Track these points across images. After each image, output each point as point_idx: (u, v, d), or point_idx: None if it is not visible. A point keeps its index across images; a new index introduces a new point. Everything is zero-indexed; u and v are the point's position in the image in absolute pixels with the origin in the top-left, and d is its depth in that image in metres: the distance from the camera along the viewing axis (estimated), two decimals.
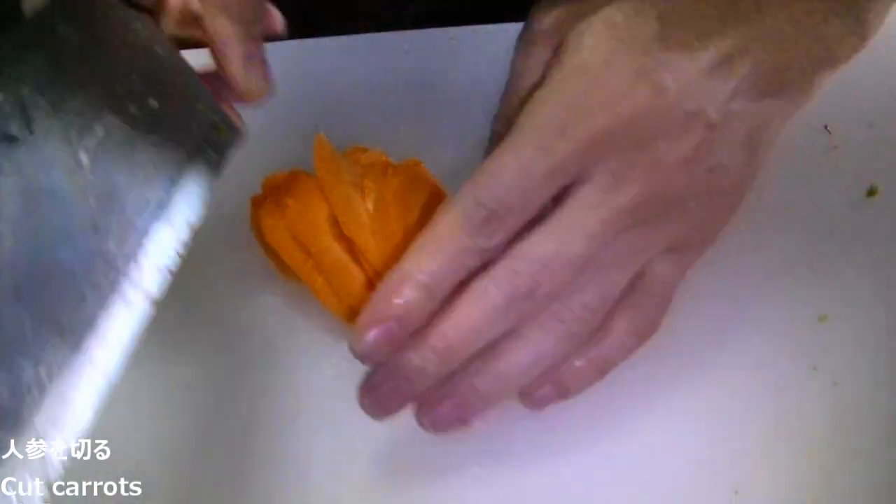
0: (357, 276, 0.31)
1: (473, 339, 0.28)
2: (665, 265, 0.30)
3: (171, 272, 0.25)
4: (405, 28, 0.40)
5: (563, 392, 0.30)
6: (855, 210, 0.36)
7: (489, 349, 0.28)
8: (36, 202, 0.23)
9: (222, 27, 0.28)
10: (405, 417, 0.32)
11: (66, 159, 0.24)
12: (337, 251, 0.31)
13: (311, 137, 0.36)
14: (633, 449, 0.32)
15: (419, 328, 0.27)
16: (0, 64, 0.23)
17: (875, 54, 0.38)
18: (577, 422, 0.32)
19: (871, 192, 0.36)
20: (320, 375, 0.33)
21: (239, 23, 0.28)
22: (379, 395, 0.29)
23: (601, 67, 0.28)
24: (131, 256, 0.24)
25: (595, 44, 0.28)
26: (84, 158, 0.24)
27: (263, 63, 0.29)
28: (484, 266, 0.28)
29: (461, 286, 0.28)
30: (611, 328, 0.30)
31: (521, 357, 0.29)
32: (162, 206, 0.26)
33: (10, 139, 0.23)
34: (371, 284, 0.31)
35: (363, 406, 0.29)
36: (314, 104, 0.38)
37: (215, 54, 0.28)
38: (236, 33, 0.28)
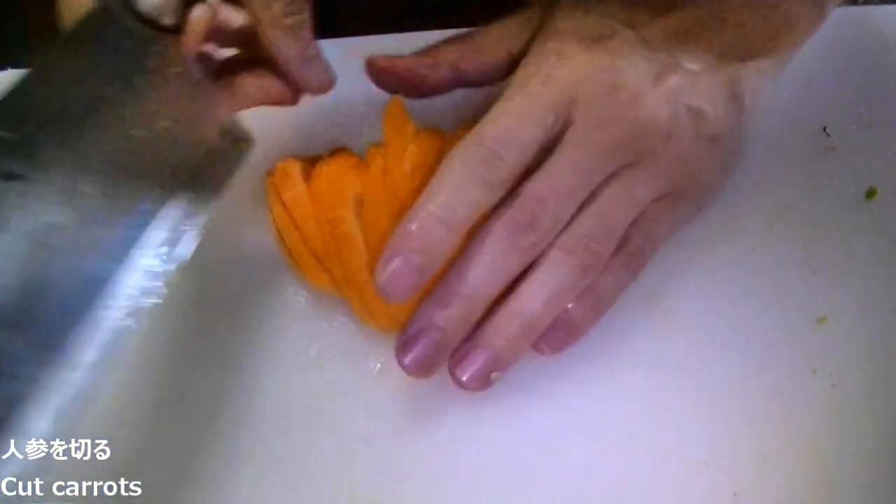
0: (360, 253, 0.32)
1: (488, 275, 0.30)
2: (659, 207, 0.32)
3: (162, 285, 0.26)
4: (404, 30, 0.40)
5: (568, 326, 0.31)
6: (854, 211, 0.36)
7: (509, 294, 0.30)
8: (36, 237, 0.24)
9: (276, 38, 0.30)
10: (406, 419, 0.33)
11: (66, 190, 0.25)
12: (351, 225, 0.32)
13: (309, 136, 0.37)
14: (632, 452, 0.32)
15: (439, 260, 0.29)
16: (11, 102, 0.25)
17: (874, 56, 0.39)
18: (576, 425, 0.32)
19: (871, 194, 0.36)
20: (323, 378, 0.33)
21: (291, 31, 0.30)
22: (415, 348, 0.30)
23: (576, 28, 0.32)
24: (123, 275, 0.26)
25: (569, 12, 0.33)
26: (85, 187, 0.26)
27: (319, 59, 0.31)
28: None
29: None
30: (609, 264, 0.31)
31: (534, 291, 0.30)
32: (160, 222, 0.27)
33: (12, 177, 0.24)
34: (371, 264, 0.31)
35: (403, 365, 0.30)
36: (314, 105, 0.38)
37: (274, 61, 0.30)
38: (290, 41, 0.30)
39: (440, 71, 0.33)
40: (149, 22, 0.29)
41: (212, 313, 0.35)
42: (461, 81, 0.34)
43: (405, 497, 0.31)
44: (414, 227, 0.29)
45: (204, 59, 0.31)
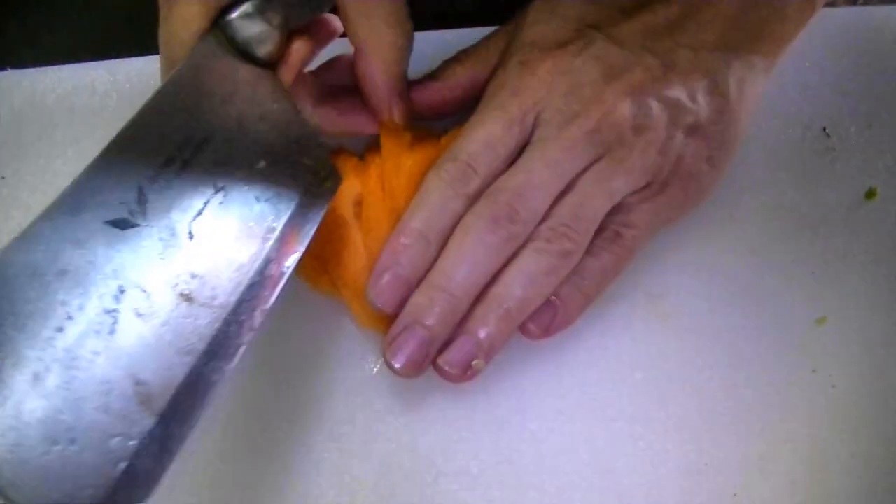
0: (359, 256, 0.32)
1: (469, 268, 0.30)
2: (639, 197, 0.33)
3: (254, 330, 0.26)
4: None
5: (553, 306, 0.31)
6: (854, 212, 0.36)
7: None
8: (138, 286, 0.24)
9: (375, 66, 0.32)
10: (405, 420, 0.33)
11: (170, 236, 0.26)
12: (351, 226, 0.32)
13: None
14: (632, 452, 0.32)
15: (423, 271, 0.31)
16: (123, 146, 0.25)
17: (874, 56, 0.39)
18: (576, 425, 0.32)
19: (870, 194, 0.36)
20: (323, 378, 0.33)
21: (386, 65, 0.32)
22: (399, 343, 0.30)
23: (540, 37, 0.33)
24: (222, 320, 0.26)
25: (535, 19, 0.34)
26: (189, 230, 0.26)
27: (404, 99, 0.33)
28: None
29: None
30: (591, 249, 0.32)
31: (512, 277, 0.31)
32: (257, 266, 0.28)
33: (124, 224, 0.25)
34: (371, 266, 0.31)
35: (392, 367, 0.30)
36: None
37: (364, 91, 0.32)
38: (387, 72, 0.32)
39: (459, 92, 0.35)
40: (245, 53, 0.29)
41: None
42: (478, 96, 0.35)
43: (405, 497, 0.31)
44: (400, 243, 0.31)
45: (302, 84, 0.32)
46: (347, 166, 0.33)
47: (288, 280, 0.28)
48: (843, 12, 0.40)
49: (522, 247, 0.31)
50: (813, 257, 0.35)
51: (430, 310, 0.30)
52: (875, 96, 0.38)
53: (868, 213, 0.36)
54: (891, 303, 0.34)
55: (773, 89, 0.37)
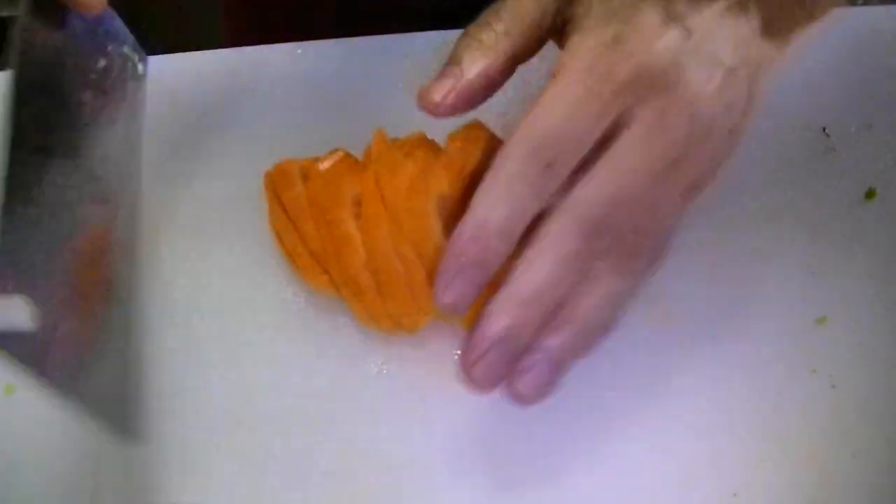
0: (359, 255, 0.32)
1: (553, 283, 0.28)
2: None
3: None
4: (404, 30, 0.40)
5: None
6: (854, 212, 0.36)
7: (566, 300, 0.29)
8: None
9: None
10: (405, 419, 0.33)
11: None
12: (349, 226, 0.32)
13: (308, 137, 0.37)
14: (632, 452, 0.32)
15: (495, 269, 0.28)
16: None
17: (874, 56, 0.39)
18: (575, 427, 0.32)
19: (870, 195, 0.36)
20: (323, 378, 0.33)
21: None
22: (481, 363, 0.28)
23: (630, 11, 0.29)
24: None
25: None
26: None
27: None
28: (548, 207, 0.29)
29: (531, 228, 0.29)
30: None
31: (592, 300, 0.29)
32: None
33: None
34: (370, 265, 0.32)
35: (467, 382, 0.28)
36: (314, 106, 0.38)
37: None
38: None
39: (501, 64, 0.31)
40: None
41: (211, 313, 0.35)
42: (517, 63, 0.32)
43: (405, 497, 0.31)
44: (472, 240, 0.28)
45: None
46: (345, 166, 0.33)
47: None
48: (843, 12, 0.40)
49: (602, 262, 0.29)
50: (813, 257, 0.35)
51: (511, 327, 0.28)
52: (875, 96, 0.38)
53: (868, 213, 0.36)
54: (891, 303, 0.34)
55: (773, 89, 0.37)
